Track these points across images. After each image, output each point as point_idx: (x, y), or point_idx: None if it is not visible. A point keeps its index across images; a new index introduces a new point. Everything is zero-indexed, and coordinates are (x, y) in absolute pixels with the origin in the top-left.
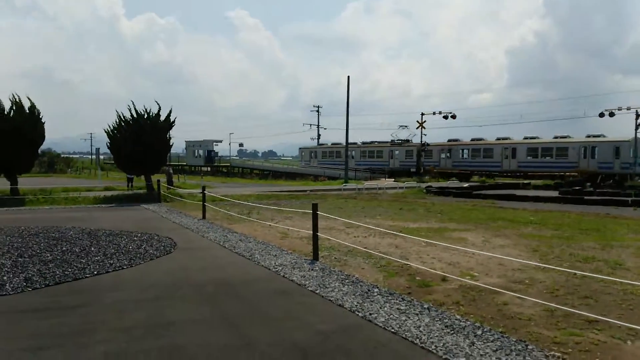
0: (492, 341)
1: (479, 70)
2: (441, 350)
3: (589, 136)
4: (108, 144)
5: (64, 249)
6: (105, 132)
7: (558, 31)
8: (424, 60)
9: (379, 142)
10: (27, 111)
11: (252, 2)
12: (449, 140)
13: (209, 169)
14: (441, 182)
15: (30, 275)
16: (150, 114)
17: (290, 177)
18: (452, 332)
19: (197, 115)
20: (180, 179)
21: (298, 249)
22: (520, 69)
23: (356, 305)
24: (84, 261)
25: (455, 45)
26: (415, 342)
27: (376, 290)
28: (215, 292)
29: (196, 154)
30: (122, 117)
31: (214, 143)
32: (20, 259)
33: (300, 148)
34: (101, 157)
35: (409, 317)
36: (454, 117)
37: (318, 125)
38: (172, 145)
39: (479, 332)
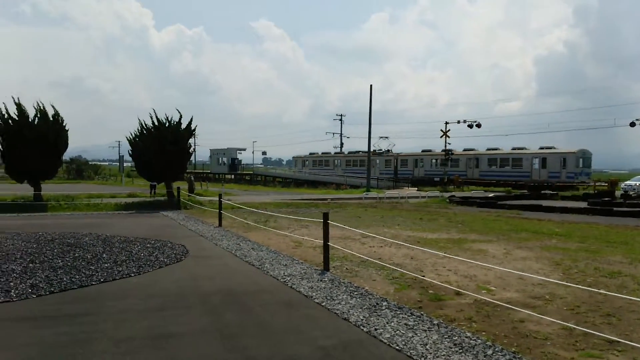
0: None
1: (506, 79)
2: None
3: (542, 148)
4: (130, 152)
5: (76, 255)
6: (127, 139)
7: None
8: (449, 70)
9: (363, 152)
10: (52, 119)
11: (277, 12)
12: (422, 151)
13: (232, 176)
14: (465, 191)
15: (37, 281)
16: (172, 122)
17: (312, 185)
18: (461, 351)
19: (222, 124)
20: (203, 187)
21: (310, 259)
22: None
23: (362, 320)
24: (93, 268)
25: (480, 55)
26: None
27: (385, 303)
28: (220, 302)
29: (220, 162)
30: (144, 124)
31: (238, 151)
32: (31, 265)
33: (293, 157)
34: (129, 164)
35: (416, 334)
36: (479, 126)
37: (341, 134)
38: (192, 153)
39: (489, 352)
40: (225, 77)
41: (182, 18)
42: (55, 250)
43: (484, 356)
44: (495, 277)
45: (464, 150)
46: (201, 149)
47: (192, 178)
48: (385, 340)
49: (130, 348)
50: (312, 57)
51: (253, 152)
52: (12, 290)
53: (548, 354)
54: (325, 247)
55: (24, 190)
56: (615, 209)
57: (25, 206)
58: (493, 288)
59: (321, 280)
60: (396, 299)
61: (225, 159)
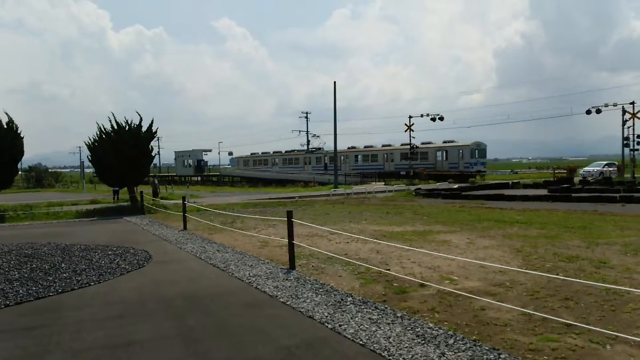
0: (463, 350)
1: (468, 72)
2: None
3: (445, 142)
4: (89, 157)
5: (33, 266)
6: (86, 144)
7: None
8: (411, 65)
9: (297, 151)
10: (5, 127)
11: (238, 11)
12: (348, 148)
13: (199, 178)
14: (431, 183)
15: None
16: (132, 125)
17: (280, 184)
18: (423, 342)
19: (187, 126)
20: (168, 190)
21: (276, 259)
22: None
23: (327, 317)
24: (50, 279)
25: (442, 48)
26: (383, 354)
27: (350, 299)
28: (182, 306)
29: (185, 164)
30: (102, 129)
31: (203, 152)
32: None
33: (235, 157)
34: (91, 170)
35: (380, 327)
36: (441, 119)
37: (307, 131)
38: (155, 155)
39: (451, 341)
40: (188, 78)
41: (140, 18)
42: (12, 262)
43: (446, 346)
44: (458, 267)
45: (383, 145)
46: (166, 151)
47: (157, 181)
48: (349, 336)
49: (88, 358)
50: (276, 56)
51: (219, 153)
52: None
53: (508, 340)
54: (291, 246)
55: None
56: (574, 194)
57: None
58: (456, 278)
59: (287, 279)
60: (361, 293)
61: (190, 161)
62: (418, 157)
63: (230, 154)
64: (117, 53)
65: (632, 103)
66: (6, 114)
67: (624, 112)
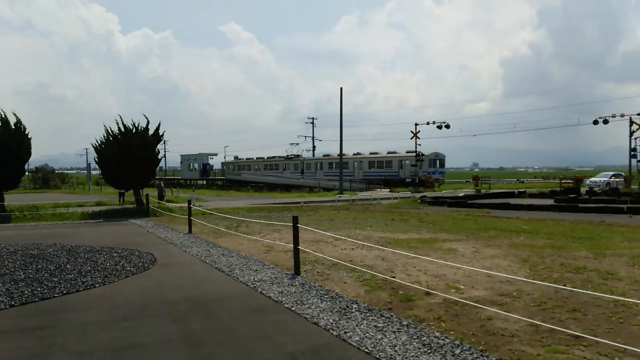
0: None
1: (474, 81)
2: None
3: (407, 152)
4: (96, 159)
5: (38, 266)
6: (93, 147)
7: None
8: (418, 72)
9: (278, 157)
10: (14, 127)
11: (245, 16)
12: (324, 155)
13: (204, 182)
14: (437, 191)
15: None
16: (139, 128)
17: (285, 189)
18: (429, 351)
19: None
20: (173, 193)
21: (281, 263)
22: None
23: (331, 323)
24: (56, 279)
25: (449, 56)
26: None
27: (355, 306)
28: (186, 311)
29: (191, 168)
30: (109, 131)
31: (209, 156)
32: None
33: (222, 163)
34: (98, 172)
35: (386, 335)
36: (447, 126)
37: (313, 137)
38: (161, 159)
39: (458, 351)
40: (194, 82)
41: (148, 22)
42: (18, 263)
43: (452, 355)
44: (464, 275)
45: (354, 154)
46: (172, 155)
47: (162, 184)
48: (354, 343)
49: None
50: (283, 61)
51: (225, 157)
52: None
53: (515, 351)
54: (296, 251)
55: None
56: (580, 205)
57: None
58: (462, 287)
59: (291, 285)
60: (366, 301)
61: (196, 165)
62: (384, 165)
63: (236, 157)
64: (124, 56)
65: None
66: (14, 114)
67: (632, 123)
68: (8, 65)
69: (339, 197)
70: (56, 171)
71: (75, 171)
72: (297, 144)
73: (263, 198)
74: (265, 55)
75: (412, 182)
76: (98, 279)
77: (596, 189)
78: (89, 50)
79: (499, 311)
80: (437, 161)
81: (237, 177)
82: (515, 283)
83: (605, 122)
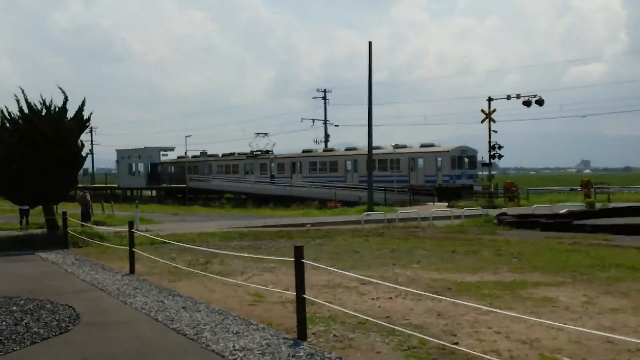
0: None
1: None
2: None
3: (424, 145)
4: None
5: None
6: None
7: None
8: (492, 17)
9: (239, 154)
10: None
11: None
12: (303, 152)
13: (153, 192)
14: (523, 206)
15: None
16: (52, 109)
17: (282, 202)
18: None
19: (136, 109)
20: (106, 210)
21: (277, 321)
22: None
23: None
24: None
25: None
26: None
27: None
28: None
29: (133, 170)
30: (5, 113)
31: (162, 152)
32: None
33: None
34: None
35: None
36: (539, 102)
37: (325, 121)
38: (86, 157)
39: None
40: (137, 36)
41: None
42: None
43: None
44: (570, 341)
45: (346, 149)
46: (103, 150)
47: (88, 197)
48: None
49: None
50: (278, 0)
51: (186, 153)
52: None
53: None
54: (300, 303)
55: None
56: None
57: None
58: (566, 359)
59: (294, 356)
60: None
61: (141, 166)
62: (387, 166)
63: (204, 153)
64: None
65: None
66: None
67: None
68: None
69: (367, 215)
70: None
71: None
72: (265, 134)
73: (247, 217)
74: None
75: (450, 190)
76: None
77: None
78: None
79: None
80: (465, 160)
81: (204, 186)
82: None
83: None
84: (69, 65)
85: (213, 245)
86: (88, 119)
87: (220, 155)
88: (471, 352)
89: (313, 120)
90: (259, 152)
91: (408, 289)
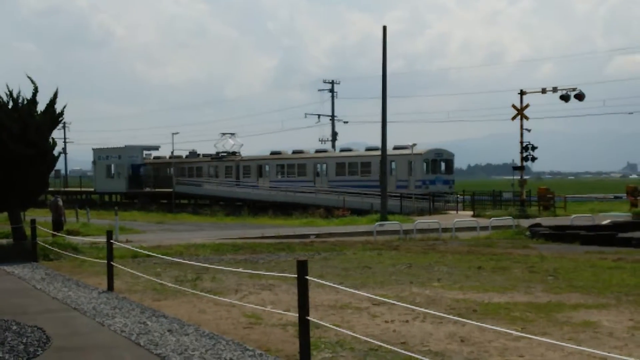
0: None
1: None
2: None
3: (396, 147)
4: None
5: None
6: None
7: None
8: (525, 0)
9: (204, 156)
10: None
11: None
12: (271, 153)
13: (135, 198)
14: (560, 216)
15: None
16: (19, 101)
17: (282, 210)
18: None
19: (116, 103)
20: (81, 217)
21: (276, 347)
22: None
23: None
24: None
25: None
26: None
27: None
28: None
29: (112, 172)
30: None
31: (145, 152)
32: None
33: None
34: None
35: None
36: (579, 97)
37: (333, 116)
38: (58, 156)
39: None
40: (119, 18)
41: None
42: None
43: None
44: None
45: (316, 151)
46: (77, 148)
47: (60, 203)
48: None
49: None
50: None
51: (173, 152)
52: None
53: None
54: (304, 325)
55: None
56: None
57: None
58: None
59: None
60: None
61: (121, 167)
62: (358, 171)
63: (193, 153)
64: None
65: None
66: None
67: None
68: None
69: (380, 225)
70: None
71: None
72: (232, 134)
73: (242, 226)
74: None
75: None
76: None
77: None
78: None
79: None
80: (440, 164)
81: (194, 190)
82: None
83: None
84: (40, 51)
85: (203, 259)
86: (61, 113)
87: (184, 157)
88: None
89: (319, 115)
90: (225, 154)
91: (427, 311)
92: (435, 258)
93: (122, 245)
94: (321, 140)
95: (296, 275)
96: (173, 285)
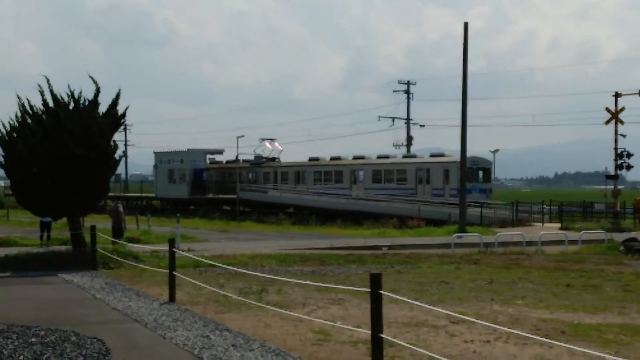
0: None
1: None
2: None
3: (433, 155)
4: (1, 158)
5: None
6: None
7: None
8: None
9: (243, 162)
10: None
11: None
12: (309, 160)
13: (196, 204)
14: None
15: None
16: (81, 102)
17: (352, 219)
18: None
19: (179, 104)
20: (141, 224)
21: None
22: None
23: None
24: None
25: None
26: None
27: None
28: None
29: (174, 177)
30: (27, 107)
31: (208, 155)
32: None
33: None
34: (3, 183)
35: None
36: None
37: (408, 120)
38: (120, 159)
39: None
40: (183, 15)
41: None
42: None
43: None
44: None
45: (354, 157)
46: (138, 151)
47: (121, 209)
48: None
49: None
50: None
51: (237, 157)
52: None
53: None
54: (377, 344)
55: None
56: None
57: None
58: None
59: None
60: None
61: (185, 172)
62: (394, 179)
63: (259, 158)
64: None
65: None
66: None
67: None
68: None
69: (458, 237)
70: None
71: None
72: (272, 139)
73: (310, 237)
74: None
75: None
76: None
77: None
78: None
79: None
80: (478, 172)
81: (258, 197)
82: None
83: None
84: (102, 50)
85: (269, 270)
86: (123, 115)
87: (224, 162)
88: None
89: (393, 119)
90: (264, 160)
91: (510, 330)
92: (519, 274)
93: (183, 254)
94: (395, 145)
95: (369, 290)
96: (237, 297)
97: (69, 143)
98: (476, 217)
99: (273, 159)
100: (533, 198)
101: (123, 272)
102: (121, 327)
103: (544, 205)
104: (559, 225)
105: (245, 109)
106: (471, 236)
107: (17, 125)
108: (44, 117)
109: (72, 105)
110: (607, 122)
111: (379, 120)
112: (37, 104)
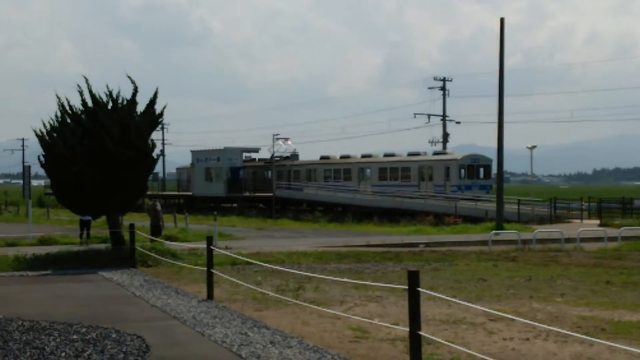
0: None
1: None
2: None
3: (436, 153)
4: (41, 158)
5: None
6: (36, 135)
7: None
8: None
9: (259, 160)
10: None
11: None
12: (320, 158)
13: (234, 203)
14: None
15: None
16: (119, 101)
17: (388, 216)
18: None
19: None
20: (178, 223)
21: None
22: None
23: None
24: None
25: None
26: None
27: None
28: None
29: (211, 175)
30: (67, 106)
31: (244, 153)
32: None
33: (177, 168)
34: (43, 181)
35: None
36: None
37: (444, 117)
38: (157, 158)
39: None
40: (218, 15)
41: None
42: None
43: None
44: None
45: (362, 156)
46: (176, 150)
47: (159, 207)
48: None
49: None
50: None
51: (273, 155)
52: None
53: None
54: (415, 341)
55: None
56: None
57: None
58: None
59: None
60: None
61: (222, 170)
62: (399, 176)
63: (295, 155)
64: None
65: None
66: None
67: None
68: None
69: (496, 234)
70: None
71: (0, 180)
72: (286, 139)
73: (346, 235)
74: None
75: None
76: None
77: None
78: None
79: None
80: (478, 169)
81: (294, 195)
82: None
83: None
84: (139, 49)
85: (306, 268)
86: (160, 114)
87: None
88: None
89: (429, 116)
90: (278, 158)
91: (550, 328)
92: (557, 271)
93: (221, 251)
94: (431, 142)
95: (406, 287)
96: (274, 294)
97: (107, 143)
98: (514, 214)
99: (287, 158)
100: (571, 194)
101: (161, 269)
102: (160, 324)
103: (583, 202)
104: (598, 221)
105: (280, 107)
106: (509, 233)
107: (57, 125)
108: (83, 117)
109: (110, 105)
110: None
111: (415, 117)
112: (76, 104)
